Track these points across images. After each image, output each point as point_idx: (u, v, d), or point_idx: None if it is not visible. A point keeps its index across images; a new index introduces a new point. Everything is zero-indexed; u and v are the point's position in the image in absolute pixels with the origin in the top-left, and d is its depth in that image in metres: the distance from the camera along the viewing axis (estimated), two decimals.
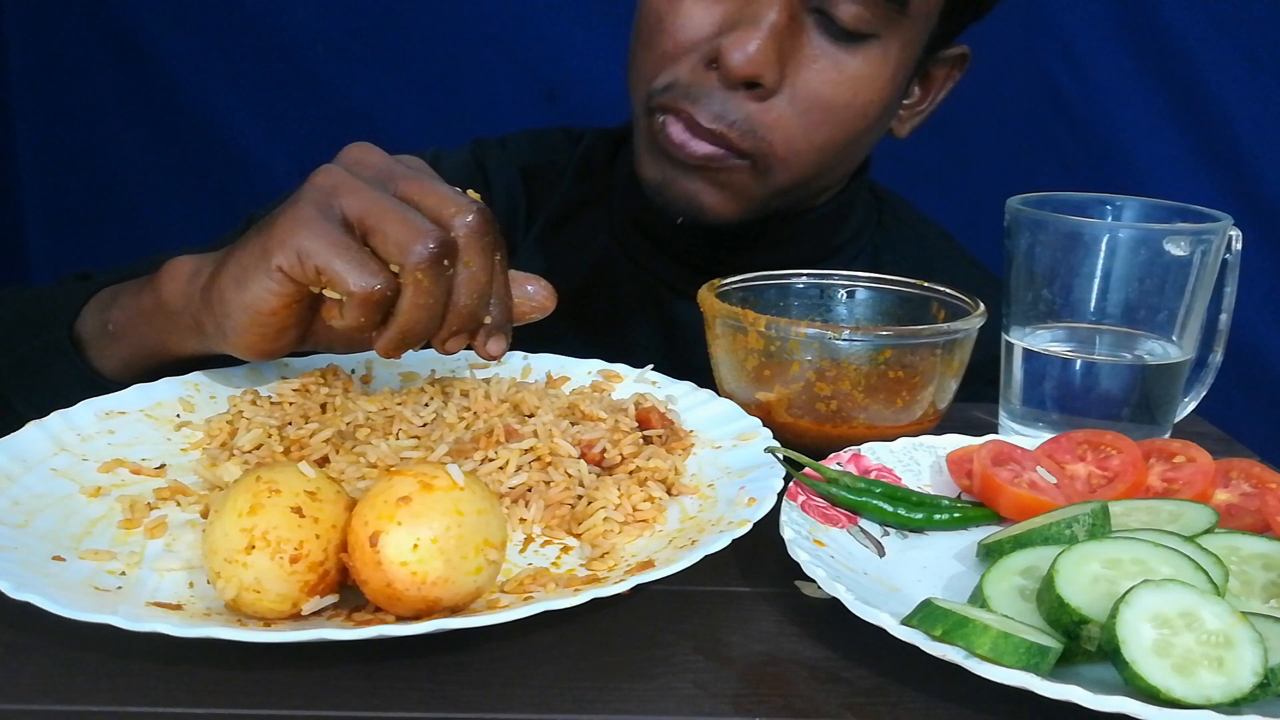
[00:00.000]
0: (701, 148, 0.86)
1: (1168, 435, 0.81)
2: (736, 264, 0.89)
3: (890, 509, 0.65)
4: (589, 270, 1.06)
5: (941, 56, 0.97)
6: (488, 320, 0.67)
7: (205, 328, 0.69)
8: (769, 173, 0.88)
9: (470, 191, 0.66)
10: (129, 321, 0.76)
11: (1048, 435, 0.74)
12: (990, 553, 0.61)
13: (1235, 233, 0.79)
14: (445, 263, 0.63)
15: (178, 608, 0.53)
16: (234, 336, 0.68)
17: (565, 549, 0.62)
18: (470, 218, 0.64)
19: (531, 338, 0.76)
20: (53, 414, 0.68)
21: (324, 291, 0.64)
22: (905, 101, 0.97)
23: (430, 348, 0.68)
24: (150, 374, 0.75)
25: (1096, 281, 0.77)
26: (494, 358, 0.68)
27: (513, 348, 0.82)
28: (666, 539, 0.62)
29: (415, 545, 0.50)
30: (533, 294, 0.70)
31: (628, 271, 1.04)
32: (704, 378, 0.80)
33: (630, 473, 0.67)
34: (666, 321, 1.03)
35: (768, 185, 0.89)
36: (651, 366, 0.81)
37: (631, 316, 1.05)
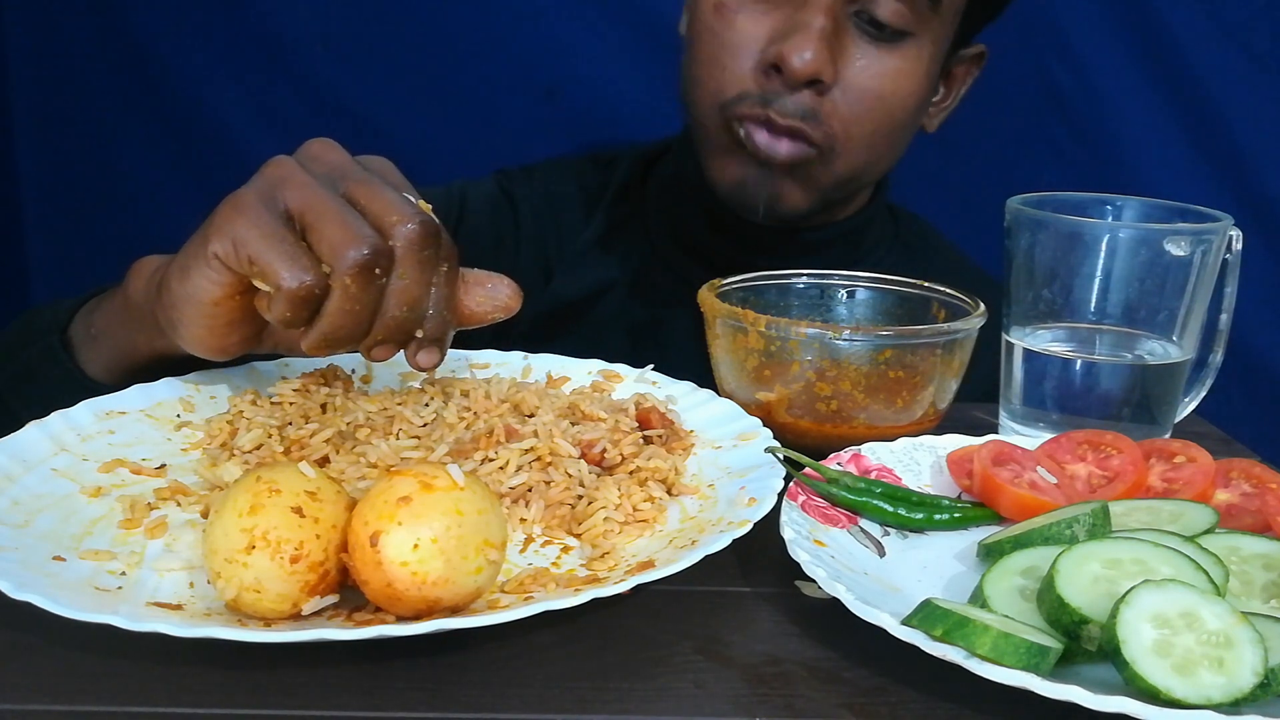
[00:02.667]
0: (785, 148, 0.94)
1: (1168, 435, 0.81)
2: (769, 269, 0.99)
3: (890, 509, 0.65)
4: (630, 281, 1.11)
5: (962, 55, 1.05)
6: (420, 334, 0.65)
7: (160, 322, 0.69)
8: (833, 161, 0.96)
9: (421, 202, 0.64)
10: (106, 323, 0.76)
11: (1048, 435, 0.74)
12: (990, 553, 0.61)
13: (1235, 233, 0.79)
14: (377, 271, 0.61)
15: (178, 608, 0.53)
16: (183, 329, 0.67)
17: (565, 549, 0.62)
18: (411, 227, 0.62)
19: (579, 341, 0.78)
20: (53, 414, 0.68)
21: (257, 283, 0.63)
22: (933, 99, 1.05)
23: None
24: (129, 376, 0.75)
25: (1096, 281, 0.77)
26: (424, 370, 0.67)
27: (553, 345, 0.83)
28: (667, 539, 0.62)
29: (415, 545, 0.50)
30: (493, 292, 0.68)
31: (665, 280, 1.10)
32: None
33: (630, 473, 0.67)
34: (702, 326, 1.05)
35: (831, 174, 0.97)
36: (652, 366, 0.81)
37: (669, 322, 1.09)
